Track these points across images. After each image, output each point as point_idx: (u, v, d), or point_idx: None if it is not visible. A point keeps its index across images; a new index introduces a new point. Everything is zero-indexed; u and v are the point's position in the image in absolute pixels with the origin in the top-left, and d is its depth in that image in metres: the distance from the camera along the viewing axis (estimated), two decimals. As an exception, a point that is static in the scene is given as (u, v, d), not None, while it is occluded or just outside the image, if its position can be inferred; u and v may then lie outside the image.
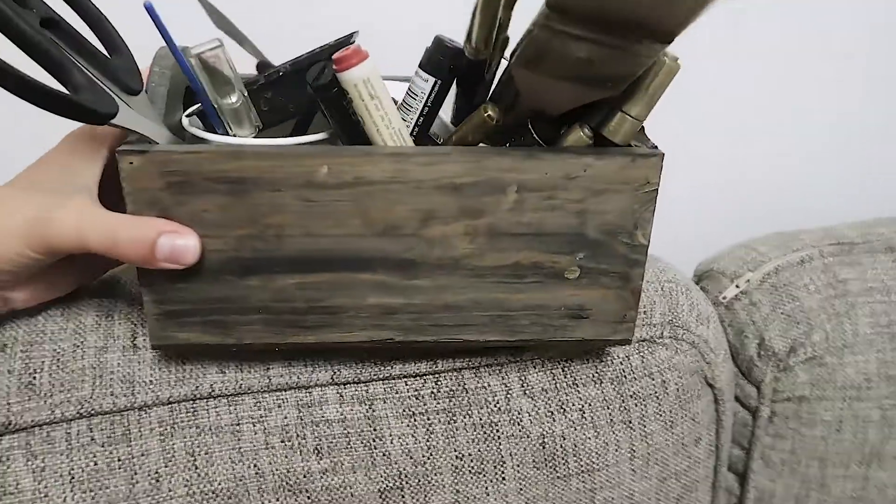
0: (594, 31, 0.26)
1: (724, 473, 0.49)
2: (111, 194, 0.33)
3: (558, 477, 0.40)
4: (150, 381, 0.36)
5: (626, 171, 0.32)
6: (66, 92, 0.28)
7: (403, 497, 0.38)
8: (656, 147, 0.33)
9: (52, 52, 0.28)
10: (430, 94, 0.33)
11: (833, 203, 0.67)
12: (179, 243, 0.31)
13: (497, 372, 0.39)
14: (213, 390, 0.36)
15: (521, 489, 0.39)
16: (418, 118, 0.34)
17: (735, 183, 0.69)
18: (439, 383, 0.38)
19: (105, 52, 0.33)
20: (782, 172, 0.69)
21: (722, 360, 0.45)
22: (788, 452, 0.51)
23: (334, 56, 0.30)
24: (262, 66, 0.41)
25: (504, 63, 0.34)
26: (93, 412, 0.35)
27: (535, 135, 0.32)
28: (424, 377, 0.38)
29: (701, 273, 0.56)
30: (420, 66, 0.33)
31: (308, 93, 0.32)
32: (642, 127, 0.33)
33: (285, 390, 0.37)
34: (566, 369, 0.40)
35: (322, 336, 0.35)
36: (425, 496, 0.38)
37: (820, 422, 0.50)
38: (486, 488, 0.39)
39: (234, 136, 0.34)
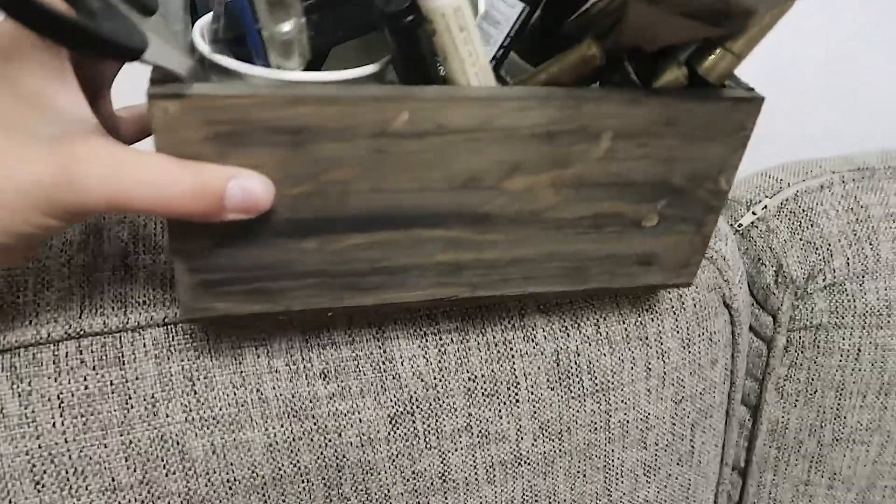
0: None
1: (737, 402, 0.48)
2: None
3: (573, 397, 0.38)
4: (144, 301, 0.34)
5: (725, 117, 0.30)
6: (86, 21, 0.22)
7: (414, 422, 0.36)
8: (753, 89, 0.30)
9: None
10: (515, 23, 0.29)
11: (852, 132, 0.65)
12: (255, 187, 0.25)
13: (511, 288, 0.37)
14: (210, 310, 0.34)
15: (534, 412, 0.38)
16: (497, 51, 0.29)
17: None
18: (453, 301, 0.36)
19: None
20: (798, 101, 0.66)
21: (738, 281, 0.43)
22: (804, 383, 0.50)
23: None
24: None
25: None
26: (82, 333, 0.33)
27: (633, 74, 0.29)
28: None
29: (715, 202, 0.54)
30: None
31: (366, 19, 0.27)
32: None
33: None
34: (583, 284, 0.38)
35: (381, 297, 0.32)
36: (437, 421, 0.37)
37: (837, 350, 0.49)
38: (500, 411, 0.37)
39: (279, 69, 0.28)
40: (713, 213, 0.32)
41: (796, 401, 0.51)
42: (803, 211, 0.49)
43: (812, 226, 0.48)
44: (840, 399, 0.50)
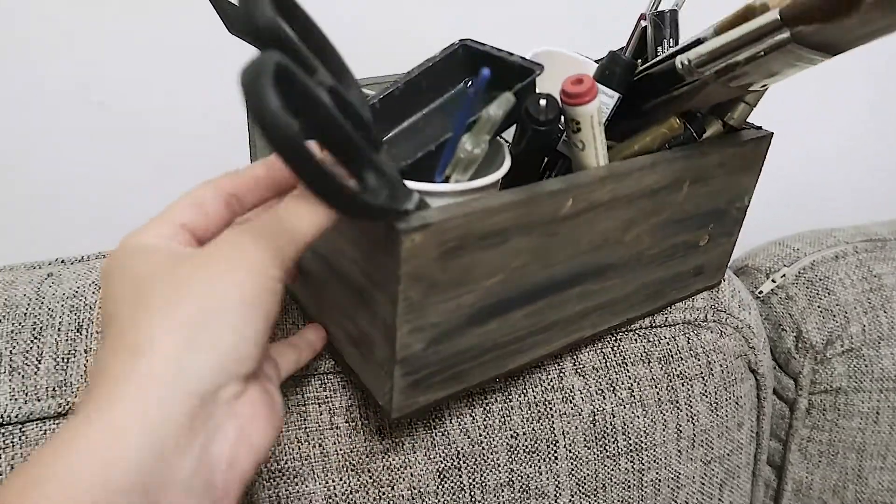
0: (817, 51, 0.27)
1: (763, 462, 0.50)
2: None
3: (608, 456, 0.41)
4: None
5: (752, 153, 0.39)
6: (357, 190, 0.23)
7: (461, 476, 0.39)
8: (761, 127, 0.40)
9: (353, 139, 0.22)
10: (613, 109, 0.35)
11: (863, 202, 0.68)
12: None
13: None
14: (281, 370, 0.38)
15: (572, 469, 0.41)
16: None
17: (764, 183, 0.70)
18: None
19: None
20: (811, 172, 0.70)
21: (763, 347, 0.46)
22: (826, 444, 0.52)
23: (569, 90, 0.31)
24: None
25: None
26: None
27: (693, 132, 0.37)
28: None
29: (736, 269, 0.58)
30: (599, 81, 0.34)
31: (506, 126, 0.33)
32: None
33: (350, 372, 0.39)
34: (615, 348, 0.41)
35: (533, 354, 0.37)
36: (481, 475, 0.40)
37: (857, 413, 0.51)
38: (540, 468, 0.40)
39: (457, 181, 0.31)
40: (739, 224, 0.43)
41: (819, 461, 0.53)
42: (820, 279, 0.52)
43: (829, 294, 0.52)
44: (861, 460, 0.52)
